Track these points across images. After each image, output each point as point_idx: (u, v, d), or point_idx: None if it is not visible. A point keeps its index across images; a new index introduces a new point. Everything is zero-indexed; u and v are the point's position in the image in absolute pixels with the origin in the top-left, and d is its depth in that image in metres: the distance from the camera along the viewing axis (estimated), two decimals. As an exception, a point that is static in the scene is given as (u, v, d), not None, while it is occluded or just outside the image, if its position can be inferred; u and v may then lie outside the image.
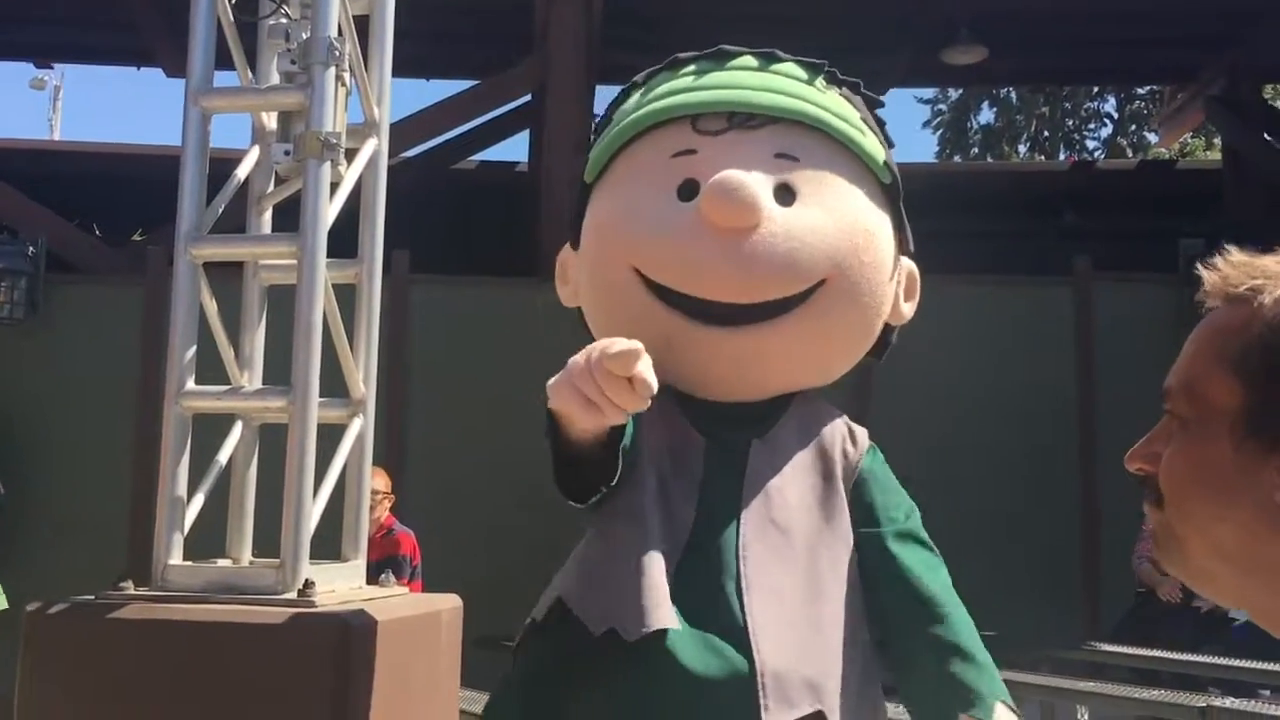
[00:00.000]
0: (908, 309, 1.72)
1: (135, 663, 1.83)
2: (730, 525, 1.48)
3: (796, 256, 1.49)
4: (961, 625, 1.53)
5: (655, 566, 1.42)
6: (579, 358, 1.27)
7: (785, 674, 1.42)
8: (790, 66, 1.65)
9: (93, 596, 1.99)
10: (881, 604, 1.54)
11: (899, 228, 1.68)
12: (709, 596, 1.45)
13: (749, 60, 1.64)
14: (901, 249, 1.69)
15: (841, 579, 1.52)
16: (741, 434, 1.54)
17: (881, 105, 1.72)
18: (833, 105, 1.63)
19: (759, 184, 1.48)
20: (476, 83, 8.51)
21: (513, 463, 6.78)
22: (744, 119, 1.54)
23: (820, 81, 1.65)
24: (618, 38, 7.83)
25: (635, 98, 1.63)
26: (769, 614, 1.46)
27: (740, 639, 1.43)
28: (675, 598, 1.41)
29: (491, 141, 9.34)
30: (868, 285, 1.58)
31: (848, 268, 1.54)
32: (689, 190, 1.50)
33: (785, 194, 1.53)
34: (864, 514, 1.59)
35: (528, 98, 8.23)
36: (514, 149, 21.10)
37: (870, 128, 1.67)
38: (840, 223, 1.54)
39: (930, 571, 1.56)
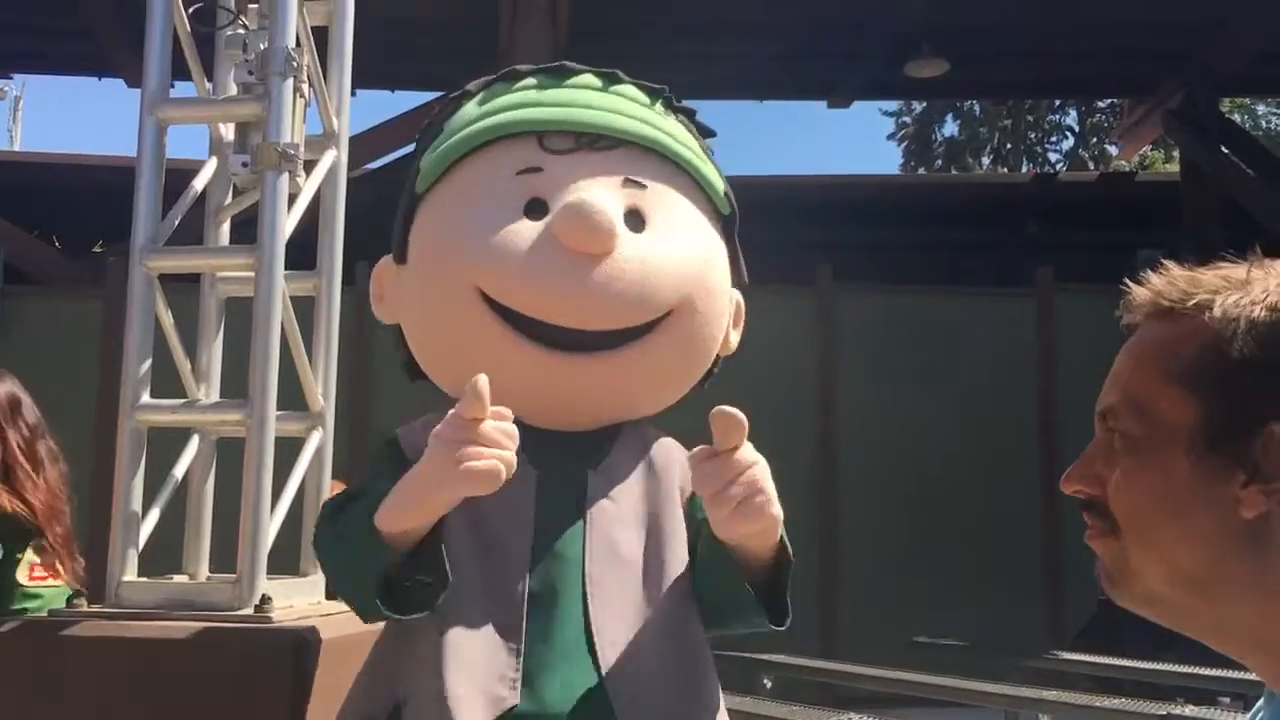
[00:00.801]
0: (735, 338, 1.70)
1: (89, 681, 1.81)
2: (574, 562, 1.42)
3: (649, 285, 1.46)
4: None
5: (493, 638, 1.35)
6: (438, 443, 1.26)
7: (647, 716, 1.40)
8: (631, 89, 1.61)
9: (45, 613, 1.96)
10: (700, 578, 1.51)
11: (734, 259, 1.66)
12: (559, 644, 1.38)
13: (592, 79, 1.60)
14: (735, 280, 1.68)
15: (685, 602, 1.48)
16: (575, 464, 1.48)
17: (713, 135, 1.69)
18: (676, 131, 1.60)
19: (613, 209, 1.45)
20: (441, 94, 8.50)
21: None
22: (591, 139, 1.51)
23: (659, 106, 1.62)
24: (582, 52, 7.84)
25: (470, 107, 1.56)
26: (623, 659, 1.41)
27: (597, 687, 1.38)
28: (527, 650, 1.36)
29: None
30: (712, 316, 1.57)
31: (694, 299, 1.52)
32: (536, 209, 1.45)
33: (635, 220, 1.50)
34: (697, 525, 1.56)
35: (493, 109, 8.22)
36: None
37: (708, 157, 1.65)
38: (688, 253, 1.52)
39: None
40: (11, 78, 15.69)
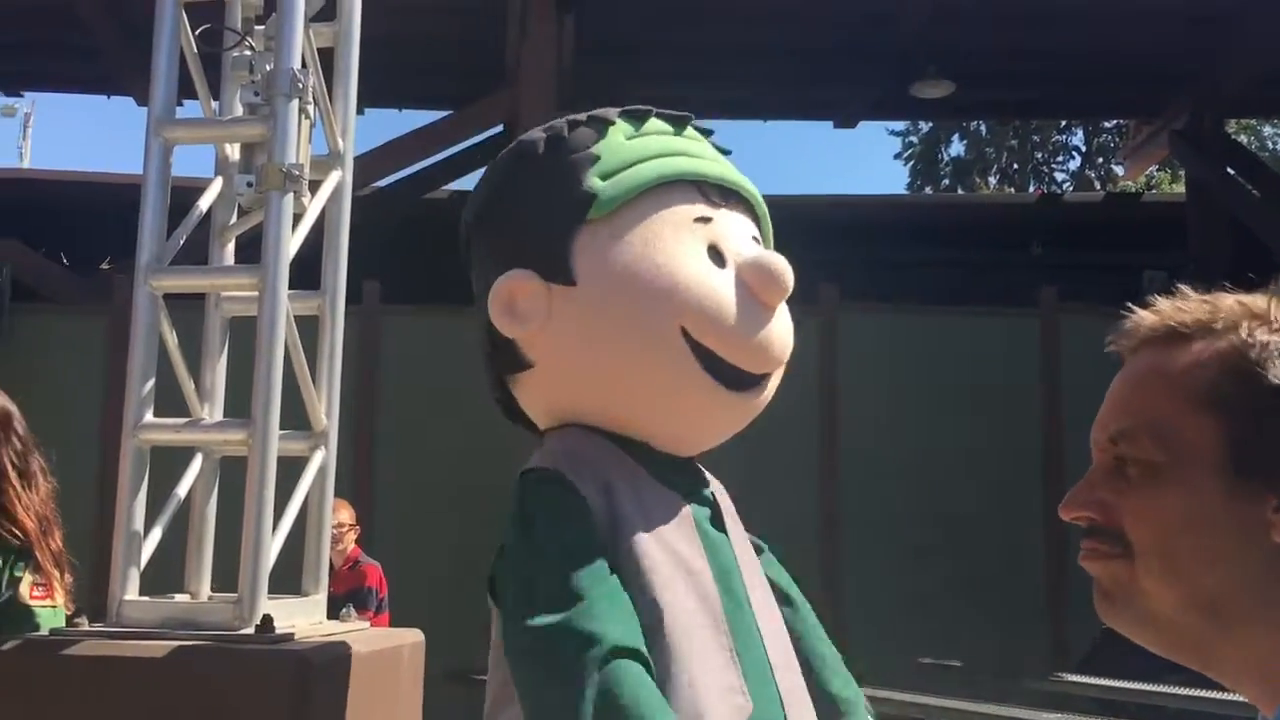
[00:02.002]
0: None
1: (89, 701, 1.80)
2: (736, 577, 1.51)
3: (791, 337, 1.61)
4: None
5: (716, 653, 1.41)
6: None
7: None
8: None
9: (46, 633, 1.96)
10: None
11: None
12: (751, 656, 1.46)
13: (695, 131, 1.67)
14: None
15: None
16: (700, 485, 1.59)
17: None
18: None
19: None
20: (449, 113, 8.54)
21: (482, 494, 6.75)
22: (732, 194, 1.60)
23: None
24: (588, 72, 7.88)
25: (622, 140, 1.59)
26: (787, 665, 1.52)
27: (776, 693, 1.47)
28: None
29: (464, 171, 9.36)
30: None
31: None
32: (715, 256, 1.54)
33: None
34: None
35: (500, 128, 8.26)
36: (487, 178, 21.10)
37: None
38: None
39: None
40: (22, 95, 15.78)
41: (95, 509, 6.44)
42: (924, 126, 21.73)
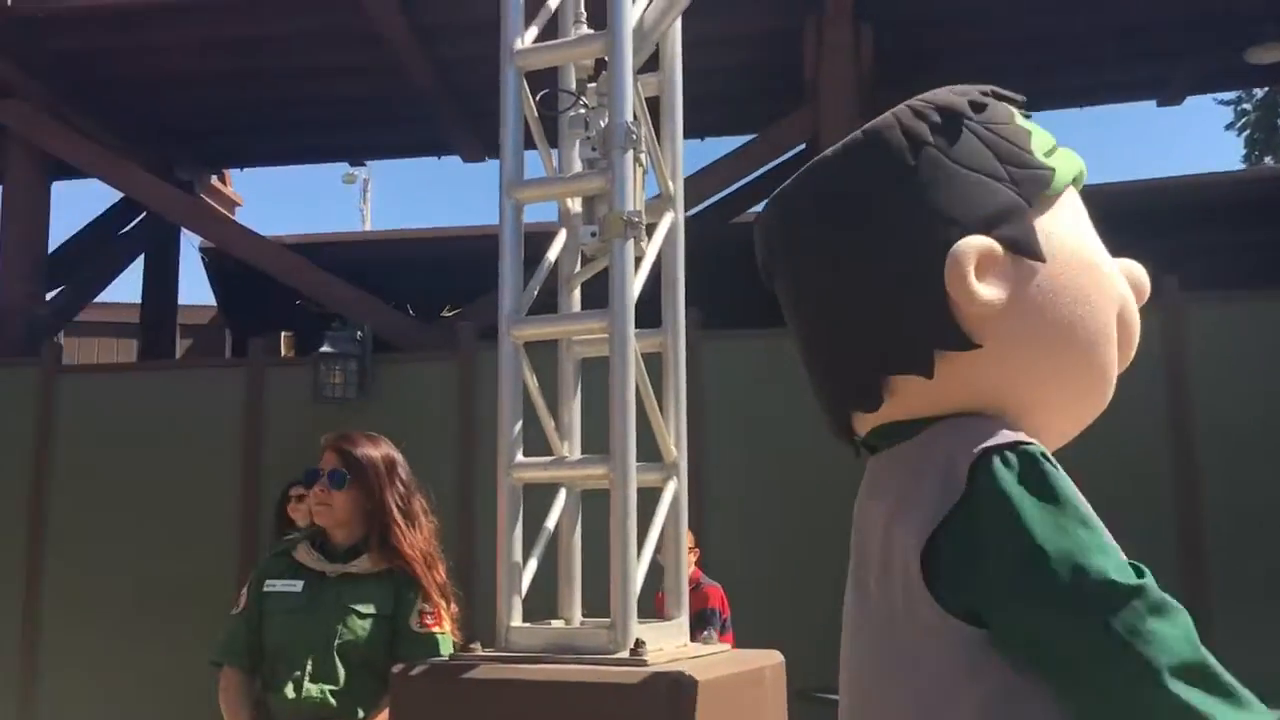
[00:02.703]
0: None
1: (488, 719, 1.97)
2: None
3: None
4: None
5: None
6: None
7: None
8: None
9: (447, 658, 2.15)
10: None
11: None
12: None
13: None
14: None
15: None
16: None
17: None
18: None
19: None
20: (752, 137, 8.66)
21: (812, 511, 6.77)
22: None
23: None
24: (889, 81, 7.77)
25: (1023, 120, 1.48)
26: None
27: None
28: None
29: (767, 194, 9.46)
30: None
31: None
32: None
33: None
34: None
35: (803, 147, 8.30)
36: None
37: None
38: None
39: None
40: (364, 165, 17.35)
41: (455, 543, 6.93)
42: (1258, 93, 19.94)
